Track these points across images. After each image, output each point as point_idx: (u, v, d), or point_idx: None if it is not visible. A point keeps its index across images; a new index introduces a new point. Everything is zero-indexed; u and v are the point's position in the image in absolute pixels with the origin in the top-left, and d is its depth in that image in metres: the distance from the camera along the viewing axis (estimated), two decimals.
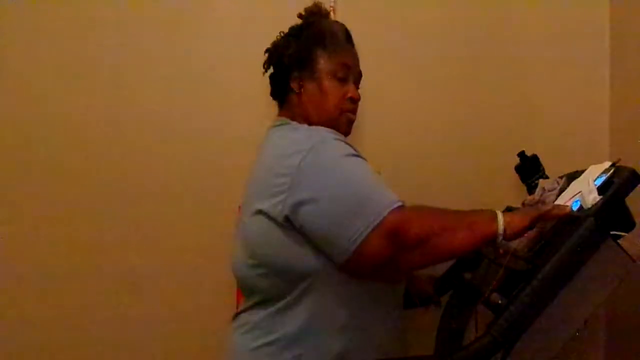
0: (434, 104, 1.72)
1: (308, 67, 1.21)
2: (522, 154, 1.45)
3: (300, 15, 1.30)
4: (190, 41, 1.69)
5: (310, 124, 1.19)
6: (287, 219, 1.04)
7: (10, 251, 1.64)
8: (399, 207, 0.99)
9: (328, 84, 1.21)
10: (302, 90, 1.21)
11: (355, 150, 1.09)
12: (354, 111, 1.26)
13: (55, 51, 1.67)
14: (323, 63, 1.21)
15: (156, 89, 1.68)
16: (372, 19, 1.69)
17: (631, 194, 1.03)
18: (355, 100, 1.25)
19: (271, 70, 1.30)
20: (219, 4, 1.71)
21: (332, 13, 1.66)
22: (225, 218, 1.65)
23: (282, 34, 1.30)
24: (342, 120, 1.23)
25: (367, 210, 0.98)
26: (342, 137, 1.11)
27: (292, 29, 1.28)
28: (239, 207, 1.62)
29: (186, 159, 1.68)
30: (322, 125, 1.16)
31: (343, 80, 1.23)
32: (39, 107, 1.67)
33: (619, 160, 1.10)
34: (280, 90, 1.26)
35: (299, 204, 1.02)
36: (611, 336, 1.63)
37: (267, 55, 1.30)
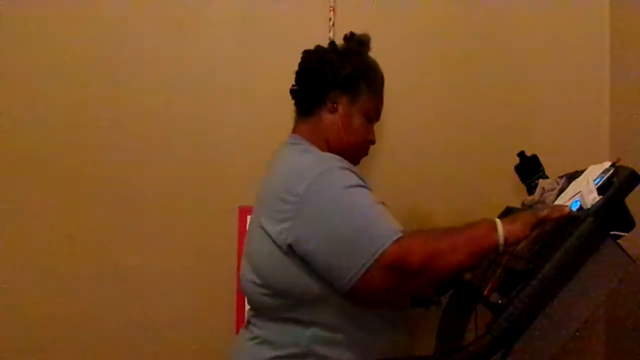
0: (433, 104, 1.72)
1: (352, 94, 1.23)
2: (522, 154, 1.45)
3: (347, 38, 1.29)
4: (191, 41, 1.69)
5: (330, 144, 1.22)
6: (290, 247, 1.06)
7: (10, 251, 1.64)
8: (399, 238, 0.99)
9: (359, 121, 1.24)
10: (336, 110, 1.22)
11: (361, 179, 1.10)
12: (365, 153, 1.31)
13: (55, 51, 1.67)
14: (363, 99, 1.24)
15: (156, 89, 1.68)
16: (371, 19, 1.68)
17: (631, 194, 1.03)
18: (372, 143, 1.31)
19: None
20: (219, 4, 1.70)
21: (332, 13, 1.66)
22: (225, 218, 1.65)
23: (326, 48, 1.27)
24: (355, 156, 1.27)
25: (368, 243, 0.99)
26: (350, 165, 1.12)
27: (339, 48, 1.27)
28: (239, 207, 1.63)
29: (186, 158, 1.68)
30: (337, 150, 1.20)
31: (370, 122, 1.28)
32: (39, 106, 1.66)
33: (619, 160, 1.10)
34: (311, 98, 1.24)
35: (300, 233, 1.04)
36: (611, 336, 1.63)
37: (310, 58, 1.27)
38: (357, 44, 1.28)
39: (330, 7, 1.67)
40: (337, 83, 1.22)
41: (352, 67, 1.23)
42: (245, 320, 1.25)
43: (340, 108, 1.22)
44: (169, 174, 1.68)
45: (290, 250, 1.06)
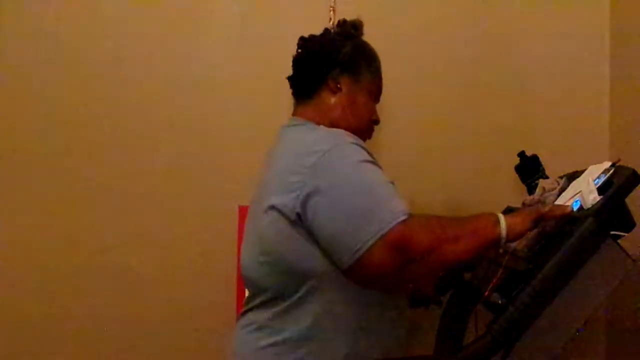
0: (434, 104, 1.72)
1: (354, 73, 1.22)
2: (522, 154, 1.45)
3: (340, 24, 1.29)
4: (191, 41, 1.69)
5: (334, 125, 1.19)
6: (298, 215, 1.04)
7: (10, 251, 1.64)
8: (405, 219, 0.98)
9: (363, 99, 1.24)
10: (339, 90, 1.21)
11: (371, 156, 1.09)
12: (371, 131, 1.30)
13: (55, 51, 1.67)
14: (366, 79, 1.24)
15: (156, 88, 1.68)
16: (372, 19, 1.68)
17: (631, 194, 1.03)
18: (377, 123, 1.30)
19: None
20: (218, 4, 1.70)
21: (332, 13, 1.66)
22: (225, 218, 1.65)
23: (320, 34, 1.27)
24: (363, 135, 1.26)
25: (374, 219, 0.98)
26: (360, 141, 1.11)
27: (335, 33, 1.27)
28: (239, 207, 1.63)
29: (186, 158, 1.68)
30: (346, 128, 1.18)
31: (374, 100, 1.28)
32: (39, 106, 1.67)
33: (619, 160, 1.10)
34: (312, 79, 1.22)
35: (310, 197, 1.02)
36: (611, 336, 1.63)
37: (307, 44, 1.26)
38: (351, 28, 1.27)
39: (330, 7, 1.67)
40: (338, 62, 1.21)
41: (351, 49, 1.23)
42: (240, 313, 1.23)
43: (344, 87, 1.21)
44: (169, 173, 1.68)
45: (298, 220, 1.04)
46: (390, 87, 1.59)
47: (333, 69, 1.21)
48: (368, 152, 1.08)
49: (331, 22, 1.64)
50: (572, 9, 1.72)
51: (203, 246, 1.66)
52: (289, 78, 1.26)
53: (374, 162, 1.07)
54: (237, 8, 1.70)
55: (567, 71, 1.72)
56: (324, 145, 1.05)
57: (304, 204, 1.03)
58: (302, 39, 1.28)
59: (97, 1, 1.69)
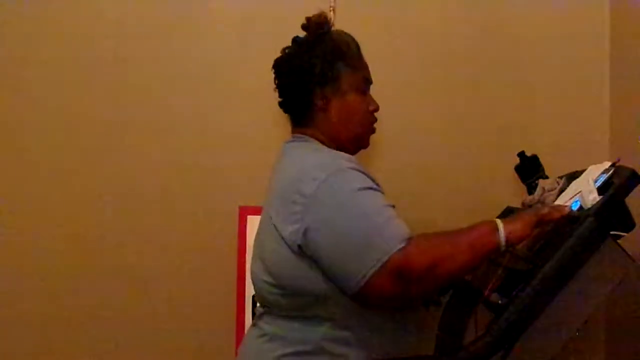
0: (434, 104, 1.72)
1: (332, 83, 1.21)
2: (522, 154, 1.45)
3: (305, 27, 1.27)
4: (190, 41, 1.69)
5: (336, 140, 1.21)
6: (300, 248, 1.06)
7: (10, 251, 1.64)
8: (403, 246, 0.99)
9: (353, 99, 1.23)
10: (328, 106, 1.21)
11: (371, 179, 1.09)
12: (374, 122, 1.30)
13: (55, 51, 1.67)
14: (347, 78, 1.22)
15: (156, 89, 1.68)
16: (372, 19, 1.69)
17: (631, 194, 1.03)
18: (376, 110, 1.29)
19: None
20: (218, 4, 1.70)
21: (332, 13, 1.66)
22: (225, 218, 1.65)
23: (290, 50, 1.26)
24: (368, 135, 1.28)
25: (373, 250, 0.99)
26: (360, 166, 1.11)
27: (302, 43, 1.25)
28: (239, 207, 1.63)
29: (186, 158, 1.68)
30: (349, 140, 1.21)
31: (364, 93, 1.26)
32: (39, 107, 1.67)
33: (619, 160, 1.10)
34: (300, 106, 1.23)
35: (308, 231, 1.04)
36: (611, 336, 1.63)
37: (281, 70, 1.25)
38: (318, 28, 1.25)
39: (331, 7, 1.67)
40: (315, 82, 1.20)
41: (323, 58, 1.21)
42: (254, 319, 1.25)
43: (331, 100, 1.21)
44: (169, 173, 1.68)
45: (300, 251, 1.06)
46: (390, 87, 1.59)
47: (314, 91, 1.20)
48: (367, 176, 1.09)
49: (331, 22, 1.64)
50: (572, 9, 1.72)
51: (203, 246, 1.66)
52: (280, 104, 1.27)
53: (372, 187, 1.08)
54: (237, 8, 1.70)
55: (567, 71, 1.72)
56: (323, 172, 1.06)
57: (304, 237, 1.05)
58: (275, 64, 1.27)
59: (97, 1, 1.69)
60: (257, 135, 1.66)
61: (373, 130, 1.30)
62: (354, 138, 1.23)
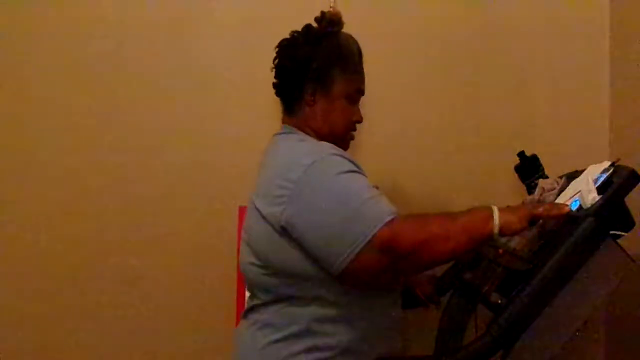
0: (434, 104, 1.72)
1: (325, 84, 1.23)
2: (522, 154, 1.45)
3: (318, 20, 1.28)
4: (191, 42, 1.69)
5: (317, 134, 1.23)
6: (284, 228, 1.08)
7: (10, 251, 1.64)
8: (391, 220, 1.00)
9: (340, 105, 1.25)
10: (315, 103, 1.23)
11: (355, 165, 1.11)
12: (354, 131, 1.32)
13: (55, 52, 1.67)
14: (340, 85, 1.24)
15: (156, 89, 1.68)
16: (372, 18, 1.69)
17: (631, 194, 1.03)
18: (359, 122, 1.31)
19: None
20: (219, 4, 1.70)
21: None
22: (225, 218, 1.65)
23: (298, 37, 1.27)
24: (346, 139, 1.29)
25: (357, 227, 1.00)
26: (344, 153, 1.14)
27: (309, 34, 1.26)
28: (239, 207, 1.63)
29: (186, 158, 1.68)
30: (327, 137, 1.22)
31: (353, 103, 1.28)
32: (38, 107, 1.67)
33: (619, 160, 1.10)
34: (291, 96, 1.26)
35: (293, 217, 1.06)
36: (611, 336, 1.63)
37: (283, 57, 1.27)
38: (328, 25, 1.27)
39: (330, 7, 1.67)
40: (309, 78, 1.22)
41: (324, 57, 1.23)
42: (243, 312, 1.26)
43: (319, 99, 1.23)
44: (169, 174, 1.68)
45: (284, 232, 1.08)
46: (390, 87, 1.59)
47: (306, 84, 1.23)
48: (351, 162, 1.11)
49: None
50: (572, 9, 1.72)
51: (203, 246, 1.66)
52: (273, 85, 1.29)
53: (356, 171, 1.10)
54: (237, 8, 1.70)
55: (567, 71, 1.72)
56: (308, 159, 1.09)
57: (288, 220, 1.07)
58: (279, 46, 1.29)
59: (97, 1, 1.69)
60: (257, 136, 1.65)
61: (352, 138, 1.32)
62: (332, 140, 1.23)
